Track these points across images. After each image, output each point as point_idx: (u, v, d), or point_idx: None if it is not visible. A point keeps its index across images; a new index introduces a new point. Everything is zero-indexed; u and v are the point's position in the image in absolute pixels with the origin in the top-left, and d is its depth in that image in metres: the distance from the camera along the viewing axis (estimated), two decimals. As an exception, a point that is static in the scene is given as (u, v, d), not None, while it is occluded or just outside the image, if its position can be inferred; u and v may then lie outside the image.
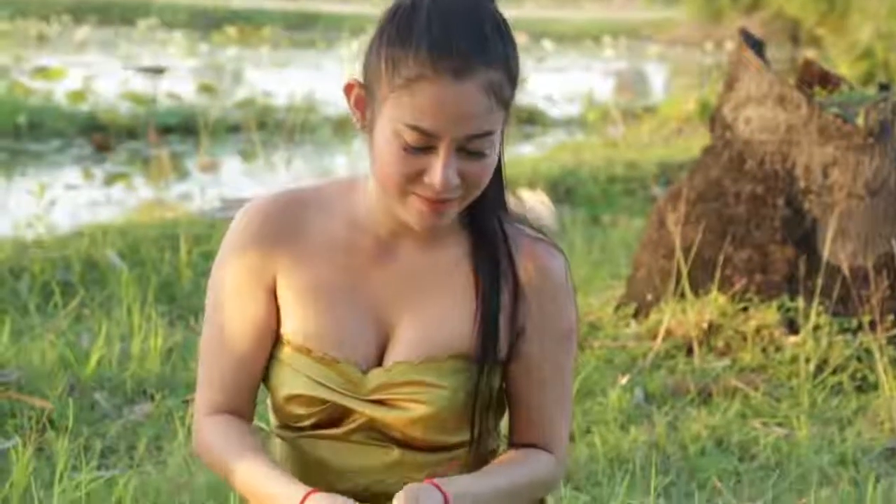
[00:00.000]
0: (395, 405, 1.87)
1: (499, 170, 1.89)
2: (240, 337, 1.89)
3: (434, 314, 1.88)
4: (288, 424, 1.94)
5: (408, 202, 1.80)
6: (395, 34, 1.75)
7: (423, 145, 1.76)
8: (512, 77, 1.78)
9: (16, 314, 4.39)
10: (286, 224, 1.88)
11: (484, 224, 1.89)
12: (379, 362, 1.89)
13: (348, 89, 1.82)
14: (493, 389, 1.92)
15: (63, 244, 5.19)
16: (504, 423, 1.98)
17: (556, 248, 1.92)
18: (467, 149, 1.77)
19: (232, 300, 1.89)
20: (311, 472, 1.92)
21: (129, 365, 3.84)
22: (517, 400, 1.94)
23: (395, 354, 1.88)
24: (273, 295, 1.89)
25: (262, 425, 2.82)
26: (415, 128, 1.74)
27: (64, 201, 6.81)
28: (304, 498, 1.79)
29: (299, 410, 1.89)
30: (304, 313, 1.88)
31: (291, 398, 1.89)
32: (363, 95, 1.81)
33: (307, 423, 1.90)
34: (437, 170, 1.76)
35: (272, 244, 1.88)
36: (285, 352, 1.89)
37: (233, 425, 1.92)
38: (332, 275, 1.88)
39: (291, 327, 1.89)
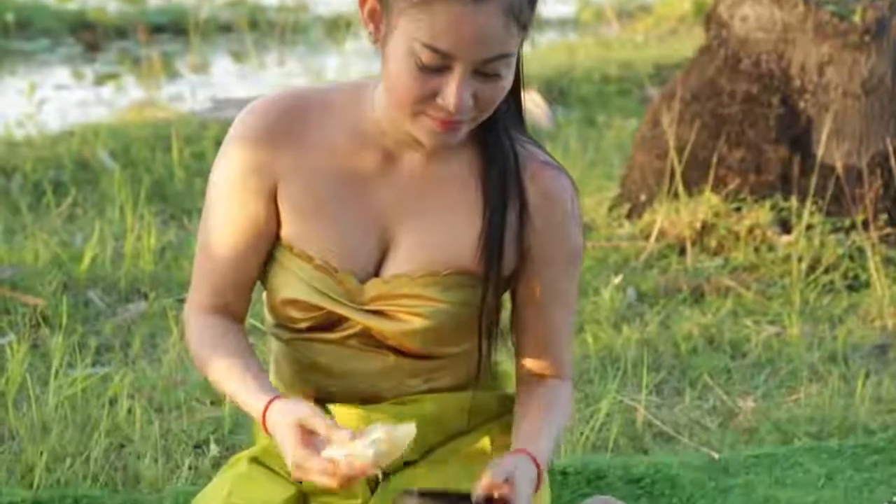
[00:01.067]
0: (392, 316, 1.87)
1: (517, 89, 1.87)
2: (236, 235, 1.89)
3: (437, 228, 1.87)
4: (283, 325, 1.94)
5: (419, 120, 1.77)
6: None
7: (438, 65, 1.72)
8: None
9: (8, 213, 4.39)
10: (289, 127, 1.86)
11: (495, 141, 1.87)
12: (378, 273, 1.88)
13: (362, 1, 1.78)
14: (499, 306, 1.92)
15: (54, 144, 5.16)
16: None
17: (565, 174, 1.91)
18: (483, 71, 1.74)
19: (230, 199, 1.88)
20: (304, 373, 1.93)
21: (122, 264, 3.85)
22: (523, 320, 1.94)
23: (394, 266, 1.87)
24: (273, 197, 1.87)
25: (257, 324, 2.84)
26: (431, 48, 1.71)
27: (54, 101, 6.76)
28: (266, 407, 1.79)
29: (295, 314, 1.89)
30: (305, 220, 1.86)
31: (288, 302, 1.89)
32: (378, 9, 1.76)
33: (303, 325, 1.90)
34: (452, 92, 1.73)
35: (274, 146, 1.85)
36: (285, 255, 1.88)
37: (218, 324, 1.91)
38: (334, 183, 1.86)
39: (291, 232, 1.87)
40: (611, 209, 4.47)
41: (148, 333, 3.43)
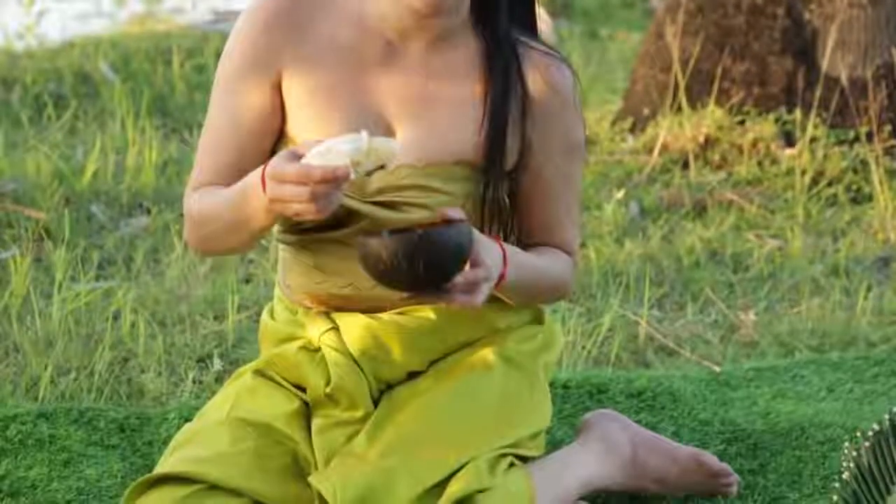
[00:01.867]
0: (398, 207, 1.88)
1: None
2: (241, 125, 1.90)
3: (439, 119, 1.89)
4: (290, 228, 1.95)
5: None
6: None
7: None
8: None
9: (9, 126, 4.37)
10: (294, 19, 1.89)
11: (496, 33, 1.88)
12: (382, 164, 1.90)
13: None
14: (502, 199, 1.94)
15: (54, 56, 5.13)
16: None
17: (566, 64, 1.92)
18: None
19: (236, 89, 1.90)
20: (312, 276, 1.94)
21: (124, 178, 3.84)
22: (527, 210, 1.97)
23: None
24: (278, 90, 1.90)
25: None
26: None
27: (53, 12, 6.70)
28: (264, 168, 1.78)
29: None
30: (309, 111, 1.88)
31: None
32: None
33: (309, 223, 1.90)
34: None
35: (279, 38, 1.88)
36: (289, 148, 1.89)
37: (216, 187, 1.91)
38: (338, 75, 1.88)
39: (295, 124, 1.89)
40: (614, 123, 4.45)
41: (150, 248, 3.43)
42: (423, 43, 1.88)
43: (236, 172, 1.90)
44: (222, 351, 2.83)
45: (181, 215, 3.58)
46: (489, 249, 1.82)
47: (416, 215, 1.87)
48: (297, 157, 1.73)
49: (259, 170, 1.78)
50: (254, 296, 3.08)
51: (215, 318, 3.00)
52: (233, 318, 2.91)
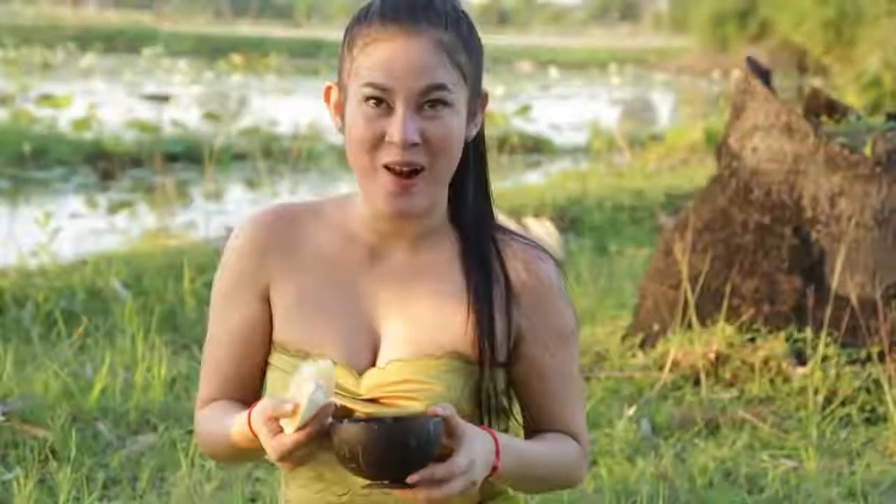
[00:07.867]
0: (391, 404, 1.89)
1: (482, 181, 1.97)
2: (235, 340, 1.96)
3: (425, 313, 1.93)
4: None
5: (377, 180, 1.86)
6: (354, 20, 1.88)
7: (380, 97, 1.83)
8: (467, 46, 1.86)
9: (19, 343, 4.37)
10: (281, 234, 1.96)
11: (471, 227, 1.95)
12: (373, 364, 1.92)
13: (327, 93, 1.93)
14: (499, 392, 1.93)
15: (67, 273, 5.17)
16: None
17: (546, 253, 1.96)
18: (423, 103, 1.84)
19: (227, 305, 1.96)
20: (311, 485, 1.94)
21: (132, 395, 3.82)
22: (528, 400, 1.98)
23: (388, 354, 1.92)
24: (266, 299, 1.94)
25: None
26: (371, 84, 1.83)
27: (68, 230, 6.79)
28: (248, 417, 1.84)
29: None
30: (297, 318, 1.93)
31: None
32: (338, 94, 1.91)
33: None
34: (397, 123, 1.83)
35: (266, 253, 1.95)
36: (282, 359, 1.94)
37: (219, 404, 1.98)
38: (323, 281, 1.94)
39: (285, 332, 1.94)
40: (623, 339, 4.45)
41: (156, 466, 3.39)
42: (404, 245, 1.94)
43: (238, 386, 1.96)
44: (226, 576, 2.77)
45: (189, 432, 3.55)
46: (476, 441, 1.81)
47: (414, 409, 1.87)
48: (274, 419, 1.79)
49: (245, 422, 1.84)
50: (260, 517, 3.03)
51: (220, 540, 2.94)
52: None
